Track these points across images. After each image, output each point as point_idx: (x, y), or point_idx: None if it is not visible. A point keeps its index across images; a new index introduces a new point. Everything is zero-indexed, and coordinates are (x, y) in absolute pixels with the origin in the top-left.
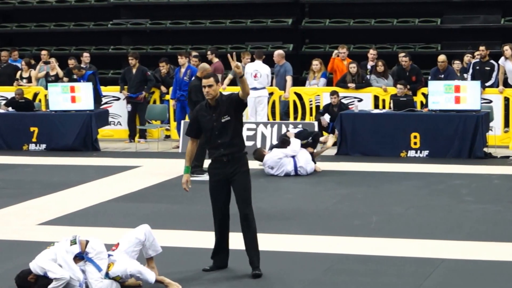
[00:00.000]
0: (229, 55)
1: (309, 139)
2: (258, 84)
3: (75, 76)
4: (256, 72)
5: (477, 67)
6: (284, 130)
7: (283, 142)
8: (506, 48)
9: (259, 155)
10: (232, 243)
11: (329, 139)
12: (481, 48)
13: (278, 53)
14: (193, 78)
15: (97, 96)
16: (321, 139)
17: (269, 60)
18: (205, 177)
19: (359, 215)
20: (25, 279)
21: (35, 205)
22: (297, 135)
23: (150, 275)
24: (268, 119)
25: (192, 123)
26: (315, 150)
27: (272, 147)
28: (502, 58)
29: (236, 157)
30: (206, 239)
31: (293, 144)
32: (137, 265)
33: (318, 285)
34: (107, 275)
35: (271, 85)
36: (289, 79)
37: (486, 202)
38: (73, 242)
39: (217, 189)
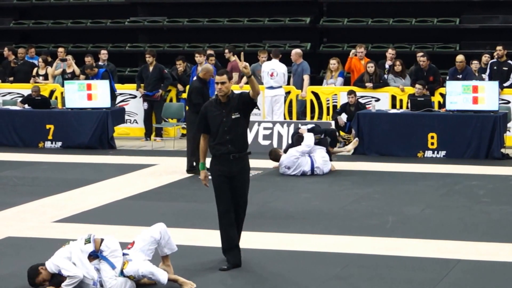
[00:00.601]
0: (236, 57)
1: (321, 135)
2: (275, 83)
3: (89, 76)
4: (272, 71)
5: (495, 67)
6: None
7: (298, 139)
8: None
9: (275, 156)
10: (245, 242)
11: (351, 144)
12: (498, 48)
13: (296, 52)
14: (194, 79)
15: (111, 93)
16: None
17: (286, 59)
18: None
19: (375, 215)
20: (35, 269)
21: (51, 202)
22: (309, 131)
23: (162, 276)
24: (285, 118)
25: (201, 119)
26: (334, 149)
27: (287, 148)
28: None
29: (242, 156)
30: (218, 238)
31: (307, 138)
32: (149, 266)
33: (333, 284)
34: (121, 273)
35: (288, 84)
36: (306, 78)
37: (503, 203)
38: (88, 241)
39: (222, 186)
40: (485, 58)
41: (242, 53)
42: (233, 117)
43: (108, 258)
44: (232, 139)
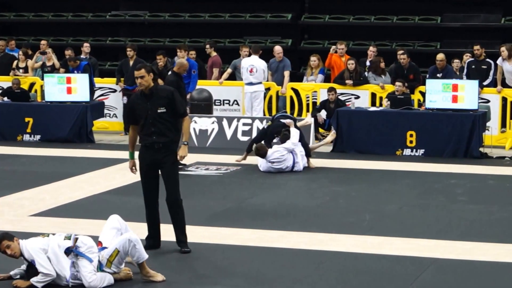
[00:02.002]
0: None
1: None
2: (254, 79)
3: (71, 67)
4: (252, 67)
5: (473, 66)
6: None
7: (284, 138)
8: (503, 49)
9: (264, 151)
10: (222, 238)
11: (329, 135)
12: (476, 47)
13: (280, 48)
14: (170, 73)
15: (90, 87)
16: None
17: (267, 55)
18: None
19: (352, 212)
20: (11, 236)
21: (28, 196)
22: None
23: (144, 252)
24: (265, 115)
25: (129, 111)
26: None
27: (252, 143)
28: (500, 58)
29: (167, 146)
30: (196, 234)
31: (293, 136)
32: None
33: (309, 282)
34: (101, 267)
35: (267, 81)
36: (286, 74)
37: (480, 202)
38: (67, 238)
39: (147, 175)
40: (466, 57)
41: None
42: (158, 111)
43: (85, 254)
44: (157, 131)
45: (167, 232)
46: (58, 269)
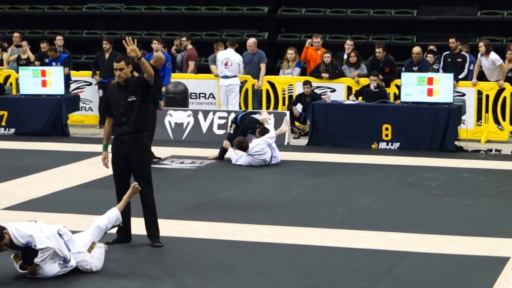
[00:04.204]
0: (124, 40)
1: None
2: (229, 72)
3: (47, 60)
4: (227, 60)
5: (449, 59)
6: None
7: (263, 131)
8: (481, 44)
9: (246, 145)
10: (194, 232)
11: (283, 124)
12: (451, 40)
13: (254, 41)
14: None
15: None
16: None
17: (243, 48)
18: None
19: (326, 206)
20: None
21: (0, 189)
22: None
23: (115, 212)
24: (240, 108)
25: (105, 103)
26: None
27: (230, 137)
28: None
29: (137, 137)
30: (167, 227)
31: (272, 130)
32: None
33: (280, 275)
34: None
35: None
36: (263, 67)
37: (454, 195)
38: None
39: (118, 167)
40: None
41: (129, 37)
42: (129, 99)
43: (67, 243)
44: (127, 121)
45: (139, 226)
46: (57, 249)
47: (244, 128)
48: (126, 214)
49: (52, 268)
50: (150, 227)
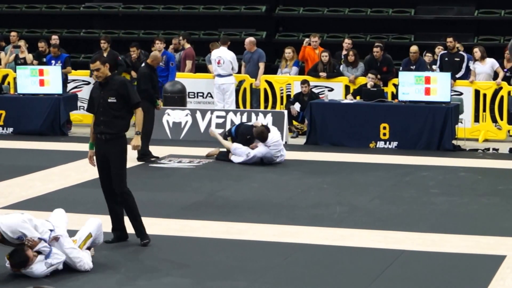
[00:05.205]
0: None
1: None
2: (222, 70)
3: (45, 59)
4: (219, 58)
5: (446, 59)
6: (254, 118)
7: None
8: (476, 50)
9: (266, 135)
10: (191, 231)
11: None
12: (449, 39)
13: (250, 40)
14: (143, 65)
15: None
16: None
17: (242, 47)
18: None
19: (323, 205)
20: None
21: None
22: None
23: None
24: (238, 107)
25: (89, 100)
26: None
27: (225, 136)
28: None
29: (114, 138)
30: (165, 226)
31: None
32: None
33: (277, 273)
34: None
35: (239, 72)
36: (262, 66)
37: (452, 194)
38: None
39: (100, 166)
40: (438, 50)
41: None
42: (109, 100)
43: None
44: (105, 121)
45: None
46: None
47: (242, 134)
48: (115, 212)
49: (40, 267)
50: (133, 224)
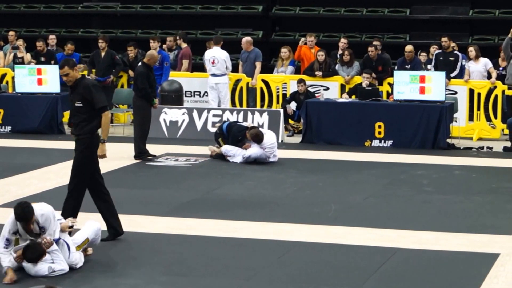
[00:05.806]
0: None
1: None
2: (216, 70)
3: (42, 59)
4: (213, 58)
5: (441, 58)
6: (250, 117)
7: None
8: (471, 49)
9: (262, 137)
10: (187, 229)
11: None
12: (444, 39)
13: (247, 39)
14: (139, 64)
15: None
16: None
17: (238, 47)
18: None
19: (318, 203)
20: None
21: None
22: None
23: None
24: (235, 106)
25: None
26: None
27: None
28: None
29: (81, 139)
30: (160, 225)
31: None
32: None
33: (272, 271)
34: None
35: (235, 72)
36: (258, 65)
37: (446, 192)
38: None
39: None
40: (433, 49)
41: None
42: (76, 104)
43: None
44: (75, 123)
45: (133, 223)
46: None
47: (234, 136)
48: (103, 209)
49: (43, 268)
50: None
